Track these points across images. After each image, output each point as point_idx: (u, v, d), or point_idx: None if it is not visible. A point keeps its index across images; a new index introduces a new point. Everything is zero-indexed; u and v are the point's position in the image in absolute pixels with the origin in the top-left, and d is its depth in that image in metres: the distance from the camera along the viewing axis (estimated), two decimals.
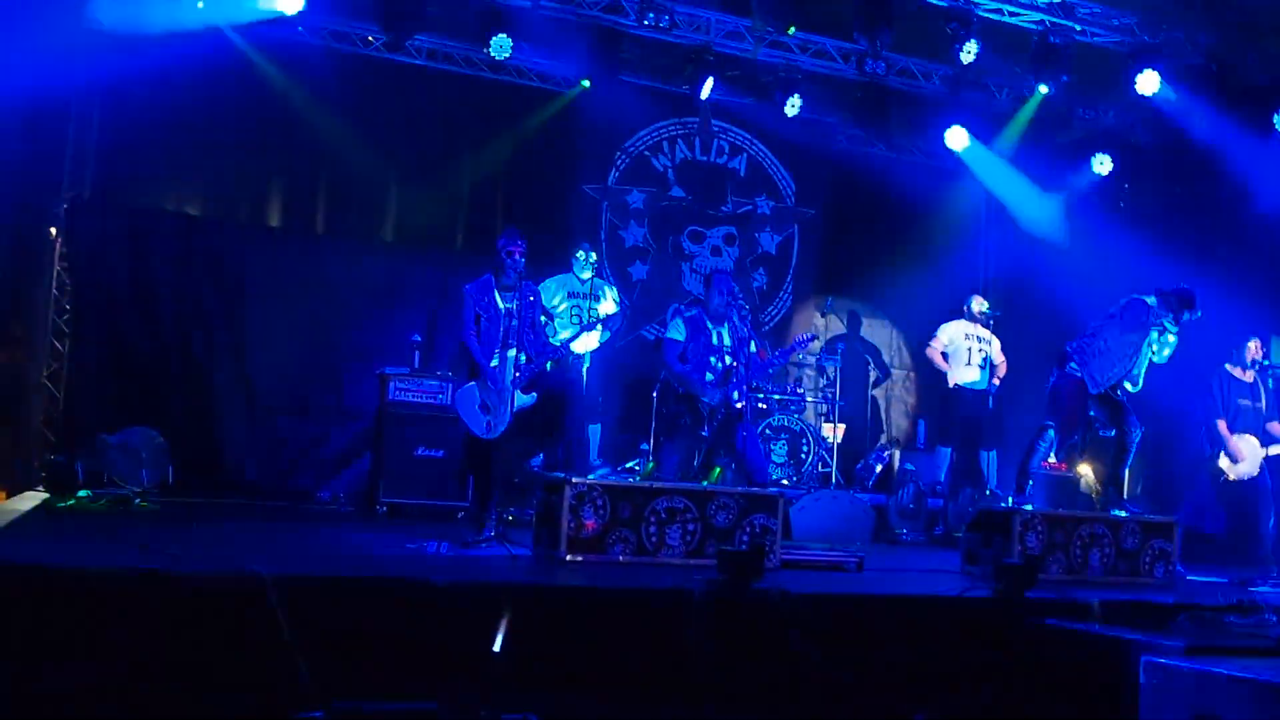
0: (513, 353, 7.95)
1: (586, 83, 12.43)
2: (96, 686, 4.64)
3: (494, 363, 7.98)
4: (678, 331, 8.94)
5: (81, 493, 9.23)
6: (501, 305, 8.06)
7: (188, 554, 5.69)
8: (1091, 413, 8.94)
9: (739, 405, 8.75)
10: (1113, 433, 8.94)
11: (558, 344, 8.60)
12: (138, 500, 9.39)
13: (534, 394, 8.02)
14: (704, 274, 12.06)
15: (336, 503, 10.98)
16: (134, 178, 11.40)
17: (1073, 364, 8.86)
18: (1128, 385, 8.87)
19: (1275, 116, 11.65)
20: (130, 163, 11.29)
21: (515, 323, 7.98)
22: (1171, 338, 8.75)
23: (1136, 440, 8.88)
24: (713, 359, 8.81)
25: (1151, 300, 8.76)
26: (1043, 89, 12.42)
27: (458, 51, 12.31)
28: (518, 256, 8.07)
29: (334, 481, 11.34)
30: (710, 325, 8.90)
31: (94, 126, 11.05)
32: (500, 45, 11.38)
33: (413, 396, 10.53)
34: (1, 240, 10.11)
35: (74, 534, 7.05)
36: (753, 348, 9.12)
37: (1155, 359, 8.85)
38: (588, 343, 10.66)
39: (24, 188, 10.45)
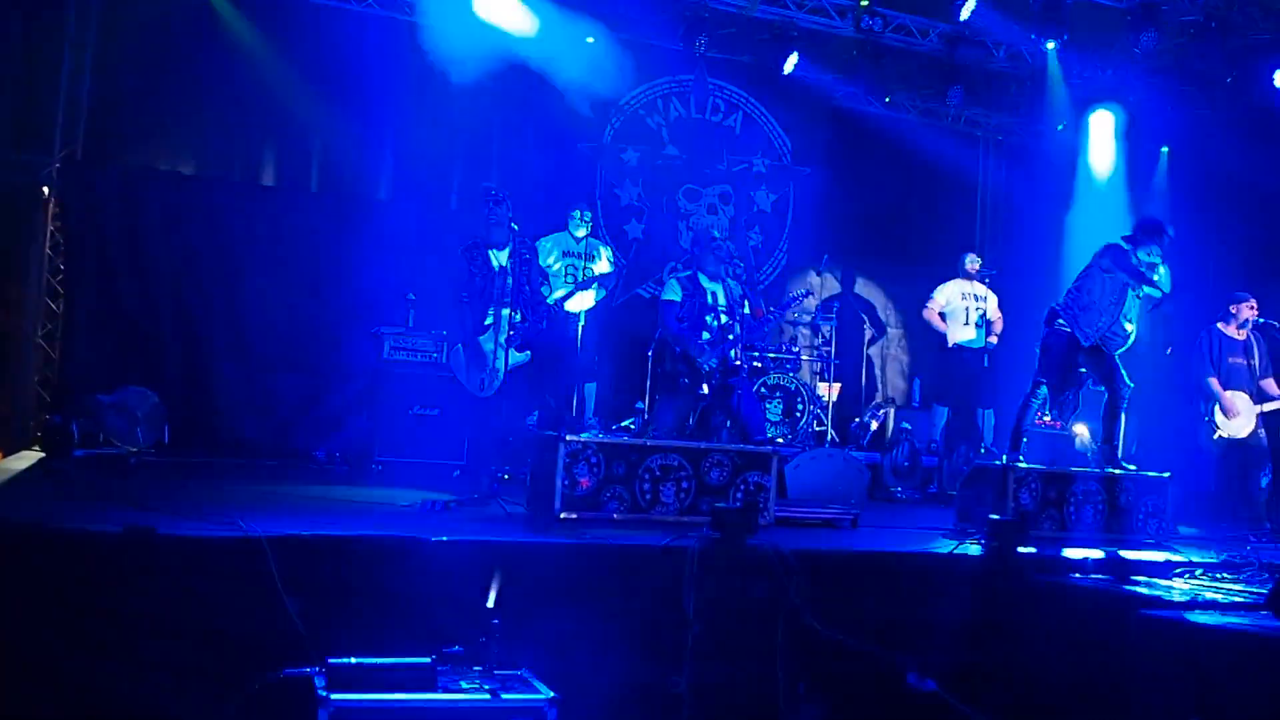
0: (506, 311, 7.91)
1: (591, 39, 12.36)
2: (94, 644, 4.66)
3: (488, 320, 7.96)
4: (673, 292, 8.95)
5: (77, 452, 9.22)
6: (495, 263, 8.02)
7: (184, 513, 5.69)
8: (1083, 368, 8.94)
9: (736, 364, 8.77)
10: (1103, 389, 8.96)
11: (552, 303, 8.59)
12: (134, 460, 9.39)
13: (528, 352, 8.00)
14: (697, 232, 12.03)
15: (333, 461, 10.98)
16: (126, 136, 11.32)
17: (1060, 320, 8.87)
18: (1127, 326, 8.83)
19: (1275, 74, 11.63)
20: (122, 121, 11.22)
21: (510, 280, 7.94)
22: (1161, 268, 8.75)
23: (1126, 396, 8.89)
24: (708, 318, 8.81)
25: (1124, 243, 8.78)
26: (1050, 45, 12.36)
27: (449, 7, 12.23)
28: (502, 211, 8.01)
29: (330, 440, 11.34)
30: (706, 284, 8.90)
31: (86, 85, 10.97)
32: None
33: (408, 355, 10.53)
34: None
35: (70, 493, 7.05)
36: (747, 307, 9.13)
37: (1154, 291, 8.83)
38: (583, 301, 10.67)
39: (16, 146, 10.41)
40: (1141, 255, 8.70)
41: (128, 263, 11.07)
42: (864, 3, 12.08)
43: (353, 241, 11.74)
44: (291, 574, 4.91)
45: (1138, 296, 8.80)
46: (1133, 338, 8.90)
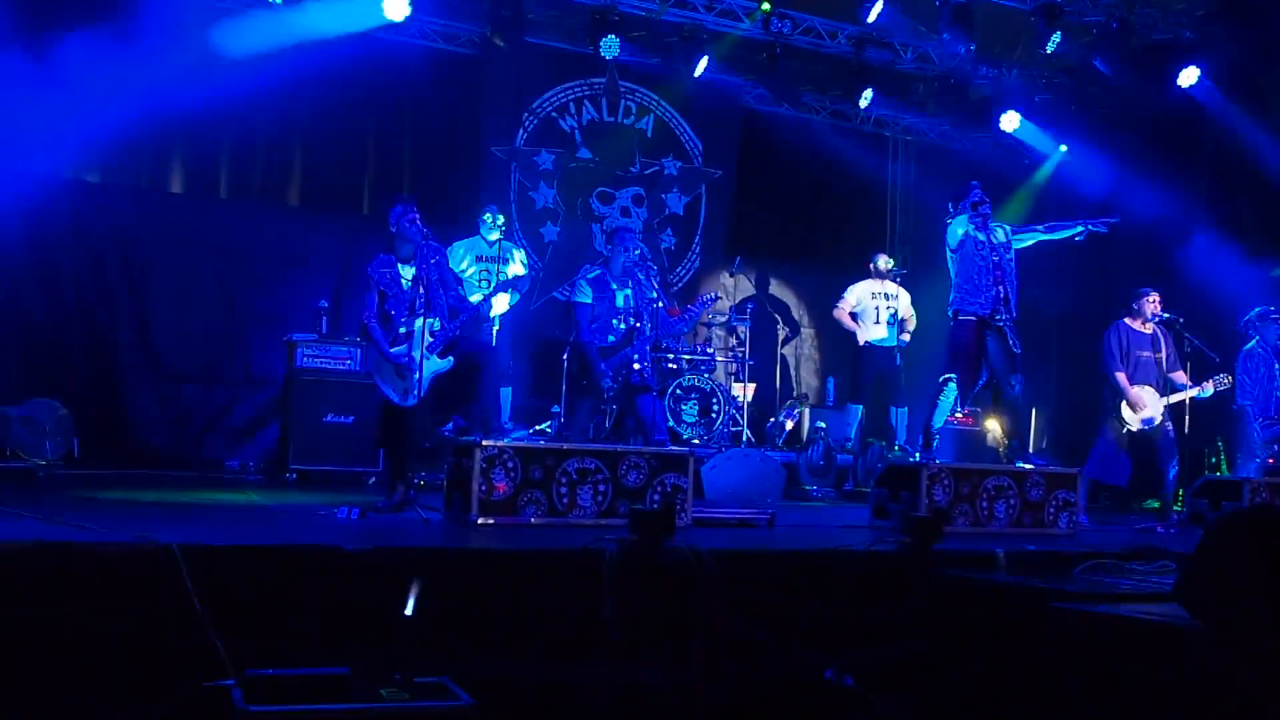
0: (421, 321, 7.85)
1: (500, 41, 12.29)
2: (1, 661, 4.58)
3: (402, 329, 7.89)
4: (584, 295, 8.96)
5: None
6: (406, 277, 7.95)
7: (94, 525, 5.60)
8: (990, 347, 9.04)
9: (636, 367, 8.80)
10: (1003, 382, 9.11)
11: (474, 303, 8.55)
12: (42, 473, 9.23)
13: (451, 358, 7.95)
14: (609, 232, 12.05)
15: (246, 471, 10.89)
16: (28, 145, 11.10)
17: (950, 311, 9.09)
18: (1001, 313, 9.01)
19: (1181, 75, 11.89)
20: (23, 129, 11.01)
21: (423, 290, 7.88)
22: (996, 231, 9.08)
23: (1015, 392, 9.07)
24: (615, 320, 8.85)
25: (950, 220, 9.15)
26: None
27: (360, 16, 12.15)
28: (407, 224, 7.95)
29: (243, 450, 11.25)
30: (614, 286, 8.92)
31: None
32: (396, 7, 11.28)
33: (320, 363, 10.47)
34: None
35: None
36: (660, 305, 9.16)
37: (1021, 238, 9.14)
38: (498, 305, 10.64)
39: None
40: (959, 222, 9.05)
41: (33, 272, 10.89)
42: (764, 6, 12.13)
43: (263, 249, 11.66)
44: (206, 585, 4.85)
45: (1002, 259, 9.01)
46: (1012, 302, 9.09)
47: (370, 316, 7.97)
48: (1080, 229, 9.33)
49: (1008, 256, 9.09)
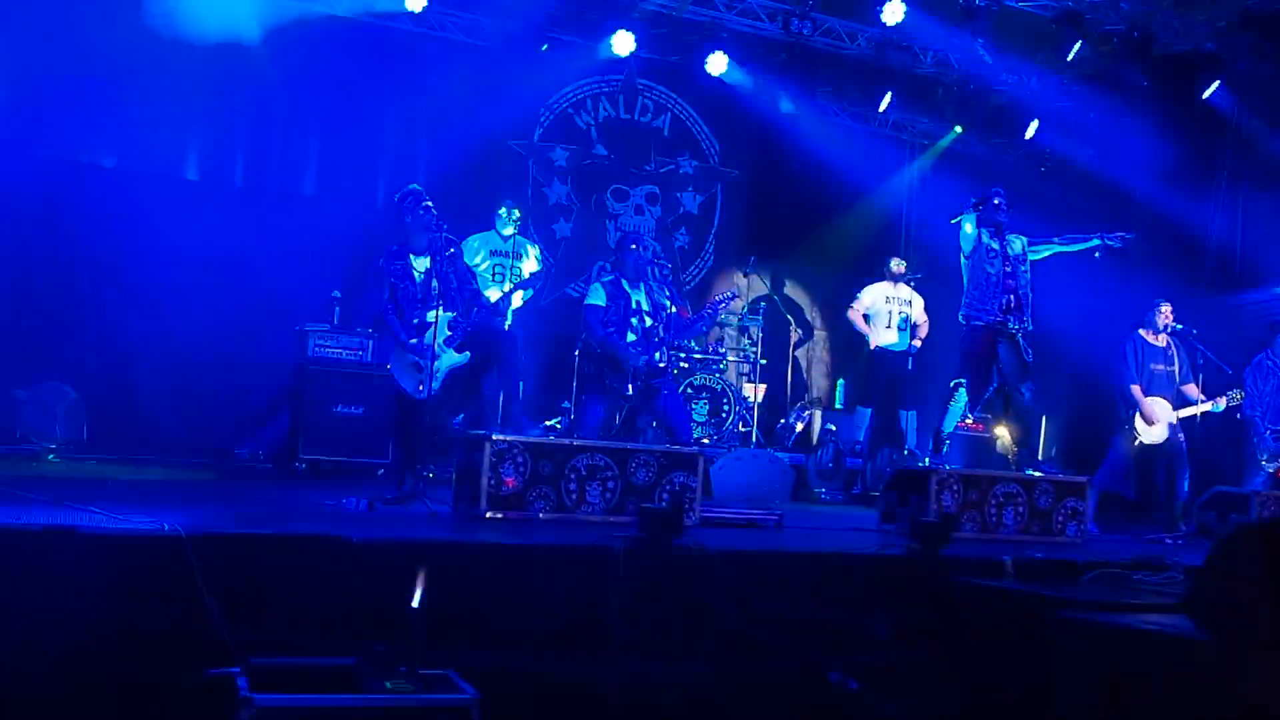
0: (436, 313, 7.83)
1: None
2: (6, 646, 4.58)
3: (415, 321, 7.88)
4: (597, 297, 8.94)
5: None
6: (418, 269, 7.94)
7: (102, 510, 5.61)
8: (1002, 354, 9.04)
9: (660, 366, 8.79)
10: (1015, 389, 9.11)
11: (492, 302, 8.56)
12: (51, 456, 9.25)
13: (467, 353, 7.94)
14: (620, 235, 12.07)
15: (255, 460, 10.88)
16: (44, 129, 11.13)
17: (961, 316, 9.10)
18: (1012, 320, 9.01)
19: (1203, 91, 11.86)
20: (41, 113, 11.03)
21: (436, 283, 7.87)
22: (1013, 242, 9.09)
23: (1026, 399, 9.07)
24: (633, 320, 8.82)
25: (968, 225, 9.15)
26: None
27: (378, 3, 12.17)
28: (420, 214, 7.93)
29: (252, 438, 11.23)
30: (628, 288, 8.91)
31: (3, 74, 10.78)
32: None
33: (332, 353, 10.46)
34: None
35: None
36: (672, 308, 9.15)
37: (1037, 250, 9.16)
38: (512, 301, 10.62)
39: None
40: (969, 222, 9.04)
41: (47, 257, 10.90)
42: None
43: (278, 238, 11.64)
44: (213, 573, 4.85)
45: (1016, 269, 9.01)
46: (1027, 307, 9.09)
47: (385, 308, 7.97)
48: (1096, 242, 9.32)
49: (1022, 267, 9.09)
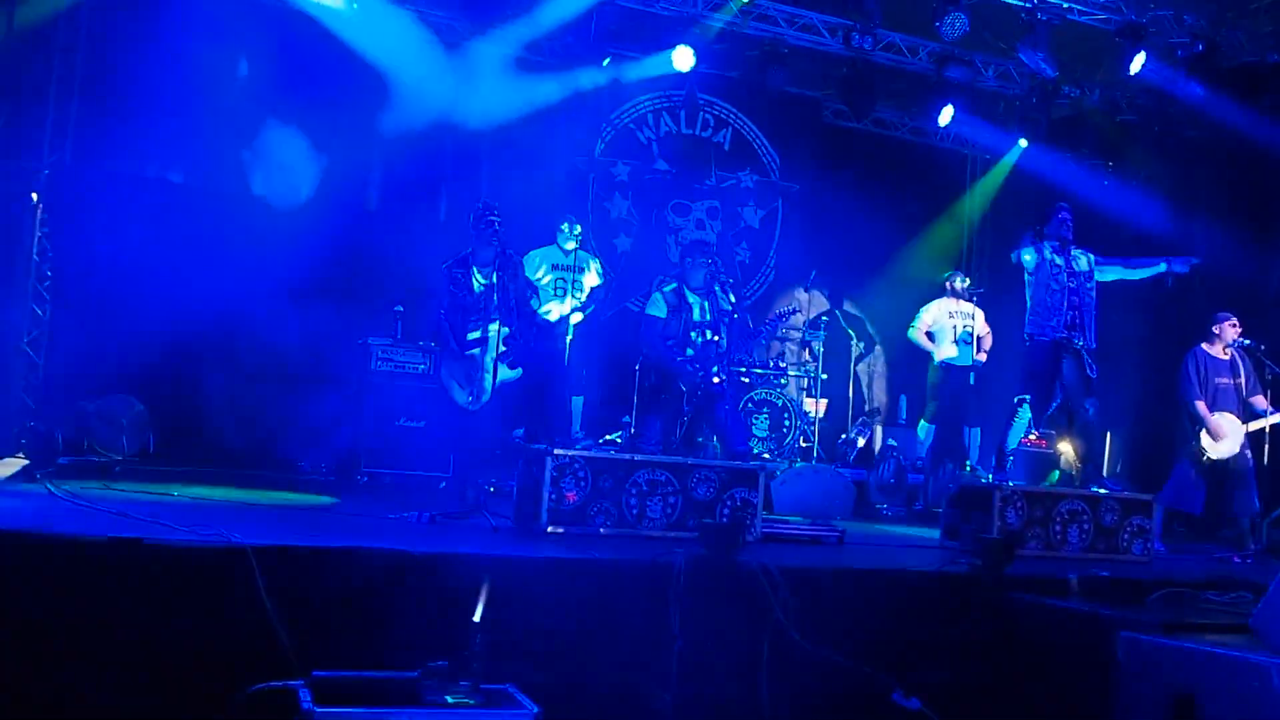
0: (494, 327, 7.86)
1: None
2: (75, 654, 4.63)
3: (474, 335, 7.91)
4: (658, 309, 8.92)
5: (62, 460, 9.17)
6: (480, 282, 7.96)
7: (169, 523, 5.67)
8: (1065, 370, 8.99)
9: (717, 380, 8.77)
10: (1077, 405, 9.06)
11: (553, 320, 8.57)
12: (119, 468, 9.35)
13: (520, 369, 7.96)
14: (686, 245, 12.05)
15: (318, 472, 10.94)
16: (115, 144, 11.26)
17: (1025, 334, 9.05)
18: (1075, 336, 8.97)
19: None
20: (111, 128, 11.17)
21: (496, 298, 7.88)
22: (1078, 259, 9.04)
23: (1090, 415, 9.01)
24: (693, 334, 8.81)
25: (1026, 246, 9.16)
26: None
27: (443, 20, 12.26)
28: (495, 228, 7.97)
29: (316, 451, 11.29)
30: (691, 299, 8.89)
31: (75, 90, 10.95)
32: None
33: (395, 366, 10.52)
34: None
35: (54, 501, 7.02)
36: (736, 317, 9.13)
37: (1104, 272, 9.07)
38: (572, 318, 10.65)
39: (4, 152, 10.37)
40: (1037, 248, 8.94)
41: (115, 270, 11.00)
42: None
43: (342, 251, 11.72)
44: (276, 585, 4.89)
45: (1080, 285, 8.95)
46: (1090, 330, 9.04)
47: (439, 316, 7.99)
48: (1163, 268, 9.24)
49: (1088, 285, 9.03)
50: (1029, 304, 9.12)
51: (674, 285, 9.07)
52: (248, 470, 10.51)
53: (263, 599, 4.84)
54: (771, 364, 12.65)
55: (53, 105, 10.82)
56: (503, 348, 7.86)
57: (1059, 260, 8.95)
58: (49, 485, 7.26)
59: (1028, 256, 9.08)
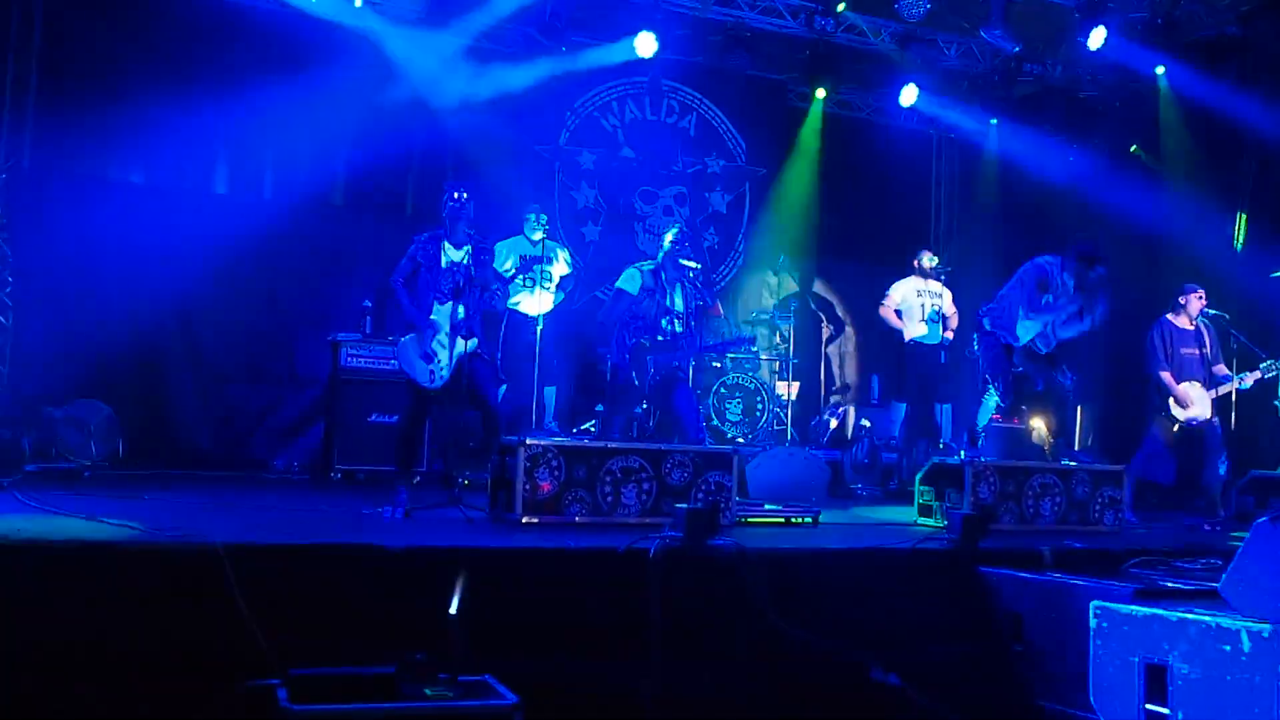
0: (450, 306, 7.71)
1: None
2: (48, 659, 4.61)
3: (434, 314, 7.76)
4: (631, 284, 8.85)
5: (29, 466, 9.11)
6: (447, 258, 7.82)
7: (139, 525, 5.64)
8: (1020, 369, 9.06)
9: (674, 365, 8.77)
10: (1041, 386, 9.10)
11: (516, 311, 8.48)
12: (88, 473, 9.30)
13: (475, 339, 7.80)
14: (657, 234, 12.03)
15: (290, 471, 10.92)
16: (74, 147, 11.16)
17: (986, 323, 9.07)
18: (1039, 344, 9.03)
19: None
20: (70, 132, 11.07)
21: (461, 279, 7.78)
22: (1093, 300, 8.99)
23: (1068, 388, 9.06)
24: (663, 321, 8.79)
25: (1049, 260, 9.03)
26: None
27: (403, 12, 12.20)
28: (464, 202, 7.85)
29: (287, 450, 11.27)
30: (666, 285, 8.87)
31: (32, 93, 10.86)
32: None
33: (365, 363, 10.49)
34: None
35: (22, 507, 6.98)
36: (704, 304, 9.14)
37: (1075, 327, 9.03)
38: (541, 304, 10.63)
39: None
40: (1066, 277, 8.90)
41: (78, 274, 10.93)
42: (841, 7, 12.20)
43: (308, 249, 11.70)
44: (251, 584, 4.87)
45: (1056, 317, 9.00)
46: (1051, 349, 9.09)
47: (399, 281, 7.85)
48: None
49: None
50: (1000, 305, 9.14)
51: (652, 266, 9.00)
52: (219, 471, 10.48)
53: (237, 599, 4.82)
54: (743, 349, 12.65)
55: (8, 107, 10.72)
56: (461, 317, 7.69)
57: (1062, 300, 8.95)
58: (16, 494, 7.20)
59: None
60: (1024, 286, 9.03)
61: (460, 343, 7.67)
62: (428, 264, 7.82)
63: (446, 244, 7.86)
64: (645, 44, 12.36)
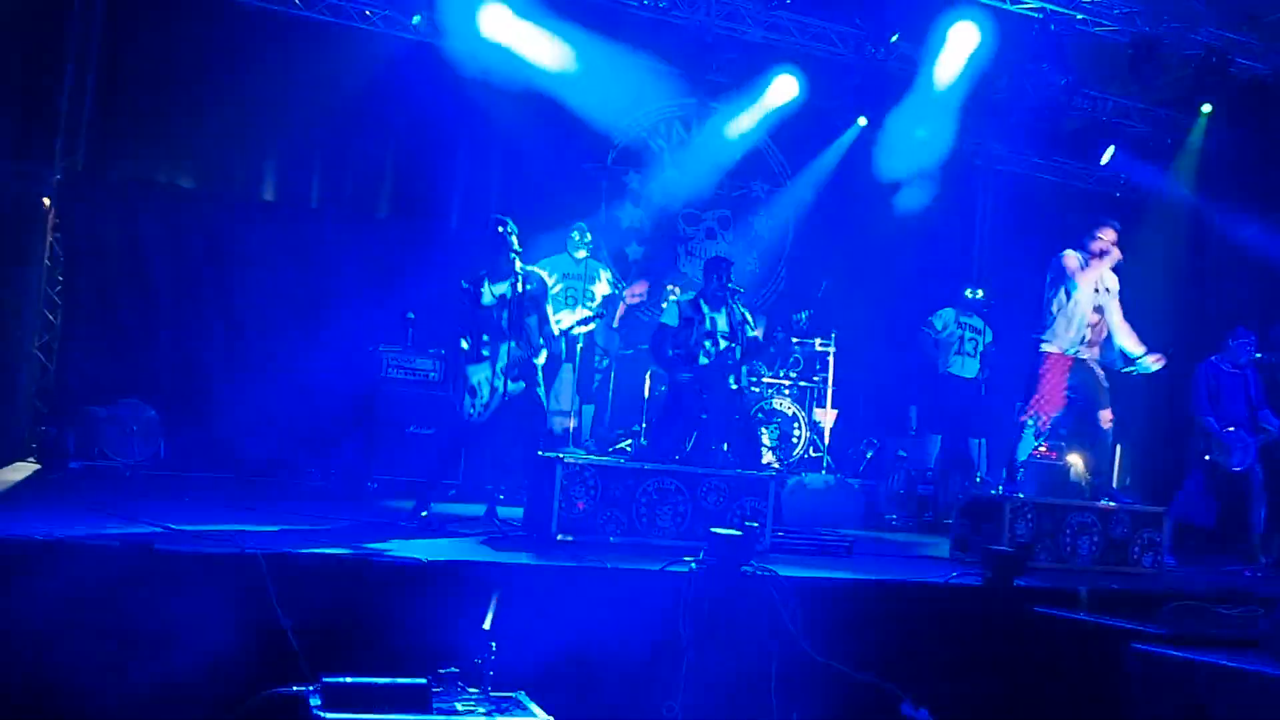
0: (505, 346, 7.71)
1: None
2: (86, 659, 4.64)
3: (485, 353, 7.77)
4: (670, 317, 8.94)
5: (72, 464, 9.20)
6: (490, 296, 7.82)
7: (180, 529, 5.68)
8: (1070, 390, 8.95)
9: (734, 389, 8.78)
10: (1090, 418, 9.02)
11: (556, 332, 8.49)
12: (129, 473, 9.36)
13: (522, 382, 7.82)
14: (701, 258, 12.04)
15: (328, 479, 10.94)
16: (127, 149, 11.26)
17: (1038, 336, 8.99)
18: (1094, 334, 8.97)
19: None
20: (123, 134, 11.18)
21: (508, 312, 7.75)
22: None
23: (1101, 427, 8.97)
24: (707, 343, 8.81)
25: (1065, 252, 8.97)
26: None
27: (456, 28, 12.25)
28: (506, 237, 7.86)
29: (326, 458, 11.27)
30: (707, 310, 8.89)
31: (88, 96, 10.96)
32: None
33: (406, 374, 10.52)
34: None
35: (65, 506, 7.03)
36: (750, 332, 9.13)
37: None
38: (582, 323, 10.64)
39: (16, 157, 10.39)
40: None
41: (126, 275, 11.04)
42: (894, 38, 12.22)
43: (352, 259, 11.74)
44: (287, 592, 4.90)
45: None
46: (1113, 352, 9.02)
47: (456, 329, 7.91)
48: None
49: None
50: (1045, 313, 9.06)
51: (691, 296, 9.08)
52: (258, 477, 10.52)
53: (274, 606, 4.85)
54: (782, 374, 12.61)
55: (65, 109, 10.83)
56: (506, 361, 7.70)
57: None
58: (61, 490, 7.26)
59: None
60: (1052, 283, 8.98)
61: (502, 382, 7.67)
62: (472, 307, 7.80)
63: (487, 282, 7.82)
64: (696, 67, 12.30)
